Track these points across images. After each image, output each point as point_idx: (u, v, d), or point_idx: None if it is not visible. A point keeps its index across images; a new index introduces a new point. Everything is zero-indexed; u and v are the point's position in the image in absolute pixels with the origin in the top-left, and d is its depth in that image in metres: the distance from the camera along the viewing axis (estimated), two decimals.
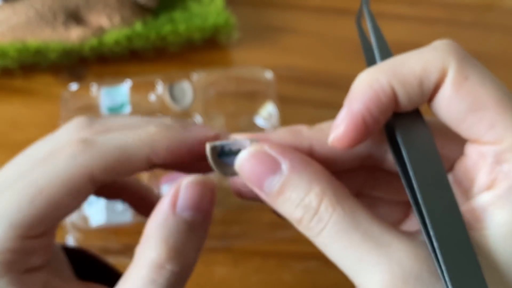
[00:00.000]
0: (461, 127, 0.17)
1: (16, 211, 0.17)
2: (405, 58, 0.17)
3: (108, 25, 0.46)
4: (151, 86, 0.45)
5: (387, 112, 0.17)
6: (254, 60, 0.50)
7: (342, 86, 0.51)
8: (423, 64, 0.17)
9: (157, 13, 0.48)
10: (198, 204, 0.18)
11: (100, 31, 0.46)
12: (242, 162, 0.17)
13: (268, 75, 0.47)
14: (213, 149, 0.18)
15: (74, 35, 0.45)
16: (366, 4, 0.20)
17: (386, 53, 0.19)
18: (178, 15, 0.48)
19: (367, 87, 0.17)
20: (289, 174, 0.17)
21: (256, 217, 0.43)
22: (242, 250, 0.42)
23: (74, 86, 0.45)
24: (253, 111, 0.47)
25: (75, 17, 0.46)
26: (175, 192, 0.17)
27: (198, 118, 0.45)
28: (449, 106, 0.17)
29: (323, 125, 0.18)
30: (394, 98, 0.17)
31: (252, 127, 0.46)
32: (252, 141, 0.18)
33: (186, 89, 0.45)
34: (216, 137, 0.19)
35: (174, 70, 0.48)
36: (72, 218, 0.39)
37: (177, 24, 0.47)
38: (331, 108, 0.49)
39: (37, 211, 0.17)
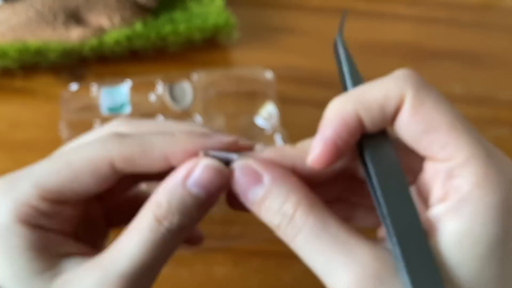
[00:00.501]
0: (419, 146, 0.19)
1: (43, 174, 0.20)
2: (370, 87, 0.20)
3: (108, 25, 0.46)
4: (151, 86, 0.45)
5: (355, 135, 0.20)
6: (254, 60, 0.50)
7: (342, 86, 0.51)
8: (384, 92, 0.19)
9: (157, 13, 0.48)
10: (208, 185, 0.19)
11: (100, 31, 0.46)
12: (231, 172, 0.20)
13: (268, 75, 0.47)
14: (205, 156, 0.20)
15: (74, 35, 0.45)
16: (340, 34, 0.23)
17: (358, 80, 0.22)
18: (178, 15, 0.48)
19: (337, 115, 0.20)
20: (270, 186, 0.20)
21: (256, 217, 0.43)
22: (242, 250, 0.42)
23: (74, 86, 0.45)
24: (253, 111, 0.47)
25: (75, 17, 0.46)
26: (191, 167, 0.19)
27: (198, 118, 0.45)
28: (407, 129, 0.19)
29: (305, 144, 0.21)
30: (360, 123, 0.19)
31: (252, 127, 0.46)
32: (240, 155, 0.20)
33: (186, 89, 0.45)
34: (233, 146, 0.21)
35: (174, 70, 0.48)
36: None
37: (177, 24, 0.47)
38: None
39: (61, 180, 0.20)
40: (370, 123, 0.19)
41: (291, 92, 0.49)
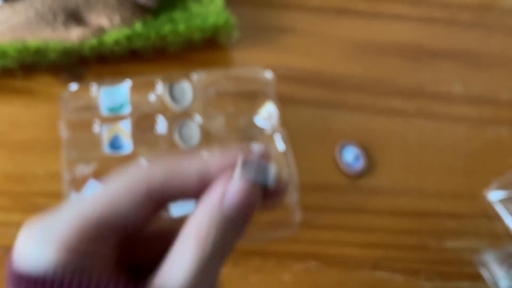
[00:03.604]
0: None
1: (81, 208, 0.20)
2: None
3: (108, 25, 0.46)
4: (151, 86, 0.45)
5: None
6: (254, 60, 0.50)
7: (342, 86, 0.51)
8: None
9: (157, 13, 0.48)
10: (243, 207, 0.20)
11: (100, 31, 0.46)
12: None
13: (268, 75, 0.47)
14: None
15: (74, 35, 0.45)
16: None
17: None
18: (178, 15, 0.48)
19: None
20: None
21: (256, 217, 0.43)
22: (242, 250, 0.42)
23: (74, 86, 0.45)
24: (253, 111, 0.47)
25: (75, 17, 0.46)
26: (223, 191, 0.20)
27: (198, 118, 0.45)
28: None
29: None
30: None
31: (252, 127, 0.46)
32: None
33: (186, 89, 0.45)
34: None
35: (174, 70, 0.48)
36: None
37: (177, 24, 0.47)
38: (331, 108, 0.49)
39: (100, 209, 0.20)
40: None
41: (291, 92, 0.49)
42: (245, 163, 0.21)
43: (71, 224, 0.19)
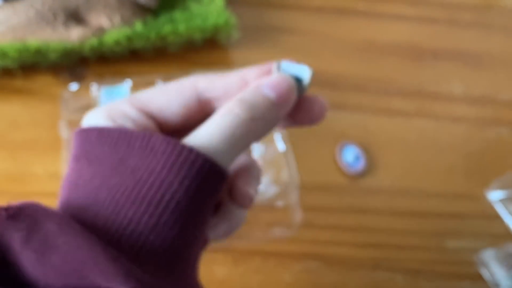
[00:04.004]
0: None
1: (137, 95, 0.23)
2: None
3: (108, 25, 0.46)
4: (151, 86, 0.45)
5: None
6: (254, 60, 0.50)
7: (342, 86, 0.51)
8: None
9: (157, 13, 0.48)
10: (281, 90, 0.22)
11: (100, 31, 0.46)
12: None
13: None
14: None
15: (74, 35, 0.45)
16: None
17: None
18: (178, 15, 0.48)
19: None
20: None
21: (256, 217, 0.43)
22: (242, 250, 0.42)
23: (74, 86, 0.45)
24: None
25: (75, 17, 0.46)
26: (267, 74, 0.24)
27: None
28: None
29: None
30: None
31: None
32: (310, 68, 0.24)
33: None
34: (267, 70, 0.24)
35: (174, 70, 0.48)
36: None
37: (177, 24, 0.47)
38: (331, 108, 0.49)
39: (153, 97, 0.23)
40: None
41: None
42: (279, 64, 0.23)
43: (127, 101, 0.22)
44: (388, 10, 0.56)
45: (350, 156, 0.47)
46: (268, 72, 0.23)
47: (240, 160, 0.24)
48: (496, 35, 0.57)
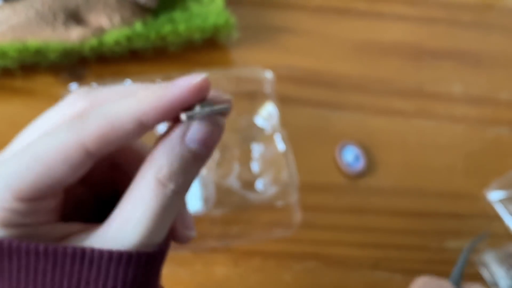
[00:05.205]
0: None
1: (14, 175, 0.18)
2: None
3: (108, 25, 0.46)
4: None
5: None
6: (254, 60, 0.50)
7: (342, 86, 0.51)
8: None
9: (157, 13, 0.48)
10: (206, 139, 0.19)
11: (100, 31, 0.46)
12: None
13: (268, 75, 0.47)
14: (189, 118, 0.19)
15: (74, 35, 0.45)
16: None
17: None
18: (178, 15, 0.48)
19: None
20: None
21: (256, 217, 0.43)
22: (242, 250, 0.42)
23: (74, 86, 0.45)
24: (253, 111, 0.47)
25: (75, 17, 0.46)
26: (187, 124, 0.19)
27: None
28: None
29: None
30: None
31: (252, 127, 0.46)
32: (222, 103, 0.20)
33: None
34: (202, 84, 0.19)
35: (174, 70, 0.48)
36: None
37: (177, 24, 0.47)
38: (331, 108, 0.49)
39: (33, 176, 0.18)
40: None
41: (291, 92, 0.49)
42: (189, 109, 0.19)
43: (5, 191, 0.18)
44: (388, 10, 0.56)
45: (350, 156, 0.47)
46: (172, 103, 0.19)
47: None
48: (496, 35, 0.57)
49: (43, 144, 0.19)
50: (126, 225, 0.19)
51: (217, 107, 0.19)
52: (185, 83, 0.19)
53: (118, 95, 0.21)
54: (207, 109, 0.19)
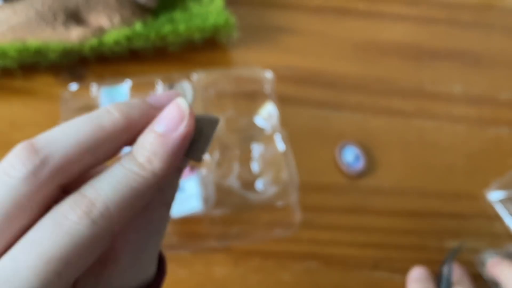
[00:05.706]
0: None
1: None
2: None
3: (108, 25, 0.46)
4: (151, 86, 0.45)
5: None
6: (254, 60, 0.50)
7: (342, 86, 0.51)
8: None
9: (157, 13, 0.48)
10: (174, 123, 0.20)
11: (100, 31, 0.46)
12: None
13: (268, 75, 0.47)
14: None
15: (74, 35, 0.45)
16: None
17: None
18: (178, 15, 0.48)
19: None
20: None
21: (256, 217, 0.43)
22: (242, 250, 0.42)
23: (74, 86, 0.45)
24: (253, 111, 0.47)
25: (75, 17, 0.46)
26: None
27: None
28: None
29: None
30: None
31: (252, 127, 0.46)
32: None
33: (186, 89, 0.45)
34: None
35: (174, 70, 0.48)
36: None
37: (177, 24, 0.47)
38: (331, 108, 0.49)
39: None
40: None
41: (291, 92, 0.49)
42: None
43: None
44: (388, 10, 0.56)
45: (350, 156, 0.47)
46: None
47: None
48: (496, 35, 0.57)
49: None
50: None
51: None
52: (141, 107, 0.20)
53: (69, 139, 0.19)
54: None
